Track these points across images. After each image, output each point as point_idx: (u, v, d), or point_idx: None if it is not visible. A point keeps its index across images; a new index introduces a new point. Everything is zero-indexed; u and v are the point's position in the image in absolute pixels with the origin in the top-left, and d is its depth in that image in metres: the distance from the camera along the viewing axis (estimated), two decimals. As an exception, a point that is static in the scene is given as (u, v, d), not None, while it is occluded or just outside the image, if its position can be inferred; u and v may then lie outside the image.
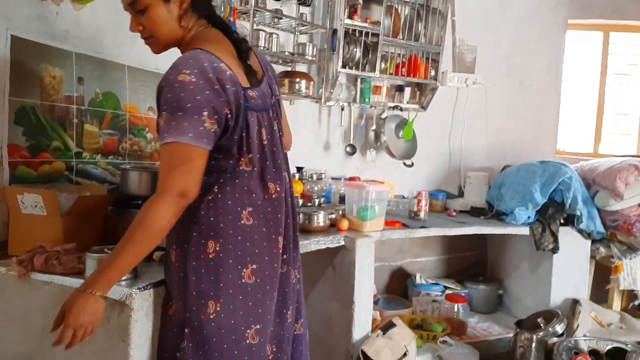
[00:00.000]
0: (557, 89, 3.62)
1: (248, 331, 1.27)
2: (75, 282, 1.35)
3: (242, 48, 1.31)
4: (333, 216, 2.35)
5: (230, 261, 1.25)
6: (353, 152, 3.03)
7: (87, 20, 1.86)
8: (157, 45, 1.33)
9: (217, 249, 1.24)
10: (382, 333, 2.27)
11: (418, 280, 3.18)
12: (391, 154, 3.03)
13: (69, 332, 1.15)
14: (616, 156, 3.06)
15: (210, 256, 1.24)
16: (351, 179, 2.97)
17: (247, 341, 1.27)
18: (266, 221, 1.30)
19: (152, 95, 2.09)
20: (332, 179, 2.85)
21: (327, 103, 2.83)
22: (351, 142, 3.02)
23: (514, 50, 3.49)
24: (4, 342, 1.49)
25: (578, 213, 2.80)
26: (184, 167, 1.16)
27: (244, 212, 1.26)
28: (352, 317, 2.22)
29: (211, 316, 1.23)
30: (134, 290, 1.29)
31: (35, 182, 1.72)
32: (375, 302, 2.82)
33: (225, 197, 1.25)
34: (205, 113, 1.15)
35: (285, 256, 1.38)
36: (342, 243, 2.26)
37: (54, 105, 1.78)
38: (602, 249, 2.89)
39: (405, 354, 2.24)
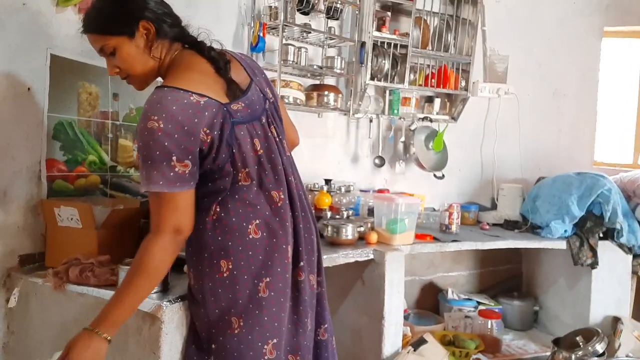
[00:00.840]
0: (594, 97, 3.50)
1: (265, 347, 1.26)
2: (108, 294, 1.37)
3: (219, 65, 1.27)
4: (362, 229, 2.33)
5: (245, 277, 1.25)
6: (382, 164, 3.00)
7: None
8: (137, 82, 1.34)
9: (230, 267, 1.24)
10: (413, 349, 2.22)
11: (450, 296, 3.10)
12: (421, 166, 2.99)
13: None
14: (658, 167, 2.94)
15: (225, 275, 1.24)
16: (380, 191, 2.94)
17: (266, 357, 1.26)
18: (274, 232, 1.28)
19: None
20: (361, 191, 2.82)
21: (356, 115, 2.82)
22: (380, 154, 3.00)
23: (547, 58, 3.41)
24: (40, 350, 1.53)
25: (618, 227, 2.69)
26: (170, 207, 1.17)
27: (250, 226, 1.25)
28: (382, 332, 2.18)
29: (235, 331, 1.24)
30: (164, 302, 1.30)
31: (71, 196, 1.77)
32: (406, 317, 2.77)
33: (228, 214, 1.24)
34: (174, 158, 1.13)
35: (301, 263, 1.35)
36: (372, 257, 2.23)
37: (90, 120, 1.83)
38: (644, 265, 2.77)
39: (437, 372, 2.18)
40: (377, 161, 3.00)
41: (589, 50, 3.49)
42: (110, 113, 1.90)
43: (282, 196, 1.31)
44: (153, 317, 1.30)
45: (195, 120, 1.15)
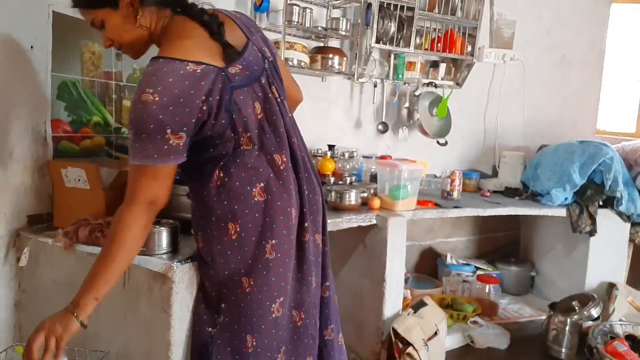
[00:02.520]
0: (600, 65, 3.47)
1: (273, 305, 1.29)
2: (119, 254, 1.39)
3: (212, 29, 1.23)
4: (365, 195, 2.34)
5: (253, 239, 1.26)
6: (385, 130, 2.99)
7: (124, -4, 1.86)
8: (130, 51, 1.33)
9: (238, 229, 1.25)
10: (413, 311, 2.27)
11: (449, 260, 3.16)
12: (424, 132, 2.98)
13: (37, 334, 1.15)
14: (661, 136, 2.94)
15: (233, 237, 1.26)
16: (382, 157, 2.94)
17: (273, 315, 1.30)
18: (279, 194, 1.29)
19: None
20: (364, 157, 2.82)
21: (360, 79, 2.79)
22: (383, 120, 2.98)
23: (555, 25, 3.35)
24: (53, 307, 1.55)
25: (618, 195, 2.71)
26: (150, 178, 1.16)
27: (254, 189, 1.26)
28: (383, 295, 2.23)
29: (246, 290, 1.27)
30: (174, 263, 1.32)
31: (77, 157, 1.77)
32: (405, 281, 2.82)
33: (231, 179, 1.24)
34: (169, 131, 1.12)
35: (306, 224, 1.36)
36: (374, 222, 2.25)
37: (94, 80, 1.81)
38: (642, 233, 2.81)
39: (435, 333, 2.24)
40: (380, 127, 2.99)
41: (597, 16, 3.43)
42: (113, 73, 1.87)
43: (285, 159, 1.31)
44: (164, 277, 1.32)
45: (192, 91, 1.13)
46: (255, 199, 1.26)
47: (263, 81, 1.29)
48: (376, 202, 2.33)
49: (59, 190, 1.63)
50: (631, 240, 2.84)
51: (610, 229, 2.76)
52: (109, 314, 1.45)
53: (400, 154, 3.08)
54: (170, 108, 1.10)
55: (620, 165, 2.76)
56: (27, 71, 1.61)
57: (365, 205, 2.32)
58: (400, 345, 2.13)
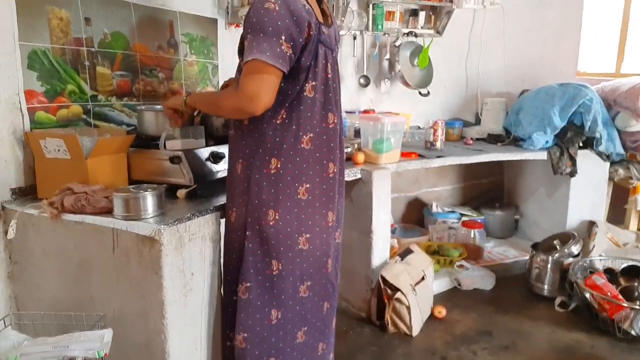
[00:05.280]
0: (579, 5, 3.43)
1: (300, 238, 1.47)
2: (106, 221, 1.41)
3: None
4: (349, 150, 2.36)
5: (289, 178, 1.43)
6: (367, 84, 2.98)
7: (87, -44, 1.79)
8: None
9: (279, 166, 1.42)
10: (400, 259, 2.35)
11: (434, 209, 3.23)
12: (406, 84, 2.97)
13: (166, 110, 1.64)
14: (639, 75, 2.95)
15: (272, 171, 1.42)
16: (365, 111, 2.94)
17: (299, 246, 1.47)
18: (321, 147, 1.47)
19: (162, 33, 2.08)
20: (346, 112, 2.82)
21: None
22: (364, 73, 2.96)
23: (534, -35, 3.29)
24: (45, 277, 1.59)
25: (598, 135, 2.76)
26: (257, 76, 1.29)
27: (304, 137, 1.43)
28: (371, 245, 2.30)
29: (271, 222, 1.42)
30: (162, 226, 1.34)
31: (55, 127, 1.75)
32: (393, 232, 2.89)
33: (291, 122, 1.41)
34: (283, 37, 1.28)
35: (331, 182, 1.53)
36: (359, 176, 2.28)
37: (65, 48, 1.76)
38: (620, 171, 2.88)
39: (423, 278, 2.33)
40: (362, 81, 2.97)
41: (577, -46, 3.36)
42: (84, 39, 1.82)
43: (336, 120, 1.50)
44: (152, 240, 1.35)
45: (304, 14, 1.32)
46: (302, 145, 1.43)
47: (334, 54, 1.50)
48: (360, 157, 2.36)
49: (40, 162, 1.62)
50: (610, 178, 2.92)
51: (590, 169, 2.83)
52: (102, 278, 1.48)
53: (383, 107, 3.08)
54: (287, 20, 1.29)
55: (599, 105, 2.79)
56: (-7, 41, 1.57)
57: (349, 160, 2.34)
58: (389, 291, 2.21)
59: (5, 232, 1.58)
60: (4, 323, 1.32)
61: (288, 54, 1.30)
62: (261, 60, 1.27)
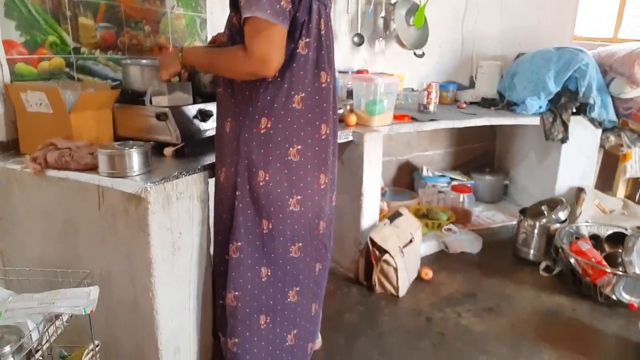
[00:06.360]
0: (580, -33, 3.34)
1: (290, 200, 1.45)
2: (91, 178, 1.38)
3: None
4: (341, 111, 2.32)
5: (279, 139, 1.39)
6: (361, 43, 2.90)
7: None
8: None
9: (269, 126, 1.38)
10: (389, 222, 2.35)
11: (425, 173, 3.23)
12: (401, 44, 2.90)
13: (161, 70, 1.55)
14: (637, 41, 2.91)
15: (262, 131, 1.39)
16: (359, 72, 2.88)
17: (290, 208, 1.46)
18: (313, 108, 1.43)
19: (147, -18, 1.98)
20: (339, 72, 2.76)
21: (333, -12, 2.64)
22: (359, 32, 2.88)
23: None
24: (31, 234, 1.57)
25: (591, 101, 2.74)
26: (265, 37, 1.26)
27: (296, 96, 1.39)
28: (361, 208, 2.30)
29: (261, 183, 1.41)
30: (148, 184, 1.31)
31: (36, 80, 1.68)
32: (383, 195, 2.89)
33: (283, 80, 1.36)
34: None
35: (330, 137, 1.50)
36: (351, 138, 2.25)
37: (44, -4, 1.67)
38: (612, 138, 2.88)
39: (411, 241, 2.35)
40: (355, 39, 2.89)
41: None
42: (65, -13, 1.73)
43: (329, 79, 1.45)
44: (139, 198, 1.32)
45: None
46: (293, 105, 1.39)
47: (327, 9, 1.44)
48: (352, 119, 2.32)
49: (21, 116, 1.56)
50: (601, 146, 2.92)
51: (582, 136, 2.82)
52: (88, 236, 1.46)
53: (377, 68, 3.02)
54: None
55: (595, 71, 2.76)
56: (-33, -14, 1.48)
57: (341, 122, 2.30)
58: (377, 253, 2.23)
59: (-13, 188, 1.54)
60: (-11, 279, 1.31)
61: (287, 9, 1.27)
62: (262, 18, 1.23)
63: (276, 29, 1.26)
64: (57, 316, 1.13)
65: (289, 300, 1.56)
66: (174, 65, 1.51)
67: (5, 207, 1.58)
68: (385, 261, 2.21)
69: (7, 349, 1.01)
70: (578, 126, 2.79)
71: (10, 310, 1.09)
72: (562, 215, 2.59)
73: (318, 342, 1.85)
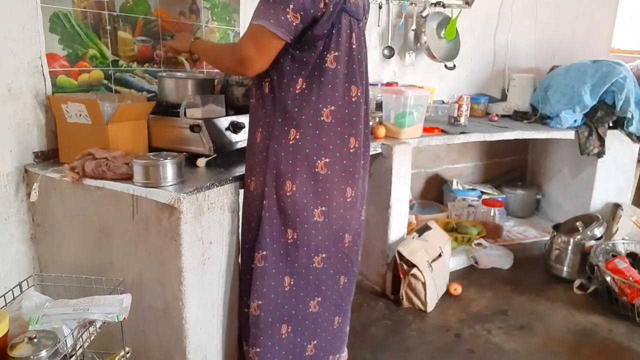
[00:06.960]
0: (619, -22, 3.27)
1: (315, 210, 1.47)
2: (126, 187, 1.41)
3: None
4: (370, 124, 2.31)
5: (307, 151, 1.42)
6: (391, 55, 2.90)
7: None
8: None
9: (297, 137, 1.40)
10: (417, 235, 2.33)
11: (454, 186, 3.18)
12: (432, 56, 2.89)
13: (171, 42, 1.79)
14: (678, 53, 2.82)
15: (291, 142, 1.41)
16: (388, 84, 2.88)
17: (314, 218, 1.48)
18: (343, 121, 1.44)
19: (183, -2, 2.04)
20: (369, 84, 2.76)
21: (364, 2, 2.65)
22: (389, 44, 2.88)
23: None
24: (67, 240, 1.62)
25: (629, 115, 2.66)
26: (254, 40, 1.31)
27: (325, 109, 1.40)
28: (388, 221, 2.28)
29: (288, 193, 1.43)
30: (181, 195, 1.34)
31: (76, 91, 1.74)
32: (411, 207, 2.86)
33: (311, 92, 1.39)
34: (291, 6, 1.26)
35: (358, 151, 1.51)
36: (380, 151, 2.25)
37: (86, 11, 1.74)
38: (651, 153, 2.78)
39: (440, 255, 2.31)
40: (386, 52, 2.89)
41: None
42: (105, 3, 1.79)
43: (359, 93, 1.46)
44: (171, 208, 1.35)
45: None
46: (322, 119, 1.41)
47: (361, 24, 1.46)
48: (381, 131, 2.32)
49: (61, 126, 1.63)
50: (639, 160, 2.82)
51: (619, 150, 2.74)
52: (121, 244, 1.50)
53: (407, 80, 3.01)
54: None
55: (633, 84, 2.68)
56: (14, 1, 1.55)
57: (370, 134, 2.29)
58: (405, 267, 2.20)
59: (28, 195, 1.60)
60: (27, 284, 1.35)
61: (294, 23, 1.28)
62: (262, 26, 1.28)
63: (271, 37, 1.29)
64: (91, 322, 1.16)
65: (310, 310, 1.56)
66: (183, 46, 1.69)
67: (44, 214, 1.64)
68: (414, 275, 2.18)
69: (44, 353, 1.04)
70: (615, 140, 2.71)
71: (47, 316, 1.12)
72: (598, 232, 2.51)
73: (344, 356, 1.83)
